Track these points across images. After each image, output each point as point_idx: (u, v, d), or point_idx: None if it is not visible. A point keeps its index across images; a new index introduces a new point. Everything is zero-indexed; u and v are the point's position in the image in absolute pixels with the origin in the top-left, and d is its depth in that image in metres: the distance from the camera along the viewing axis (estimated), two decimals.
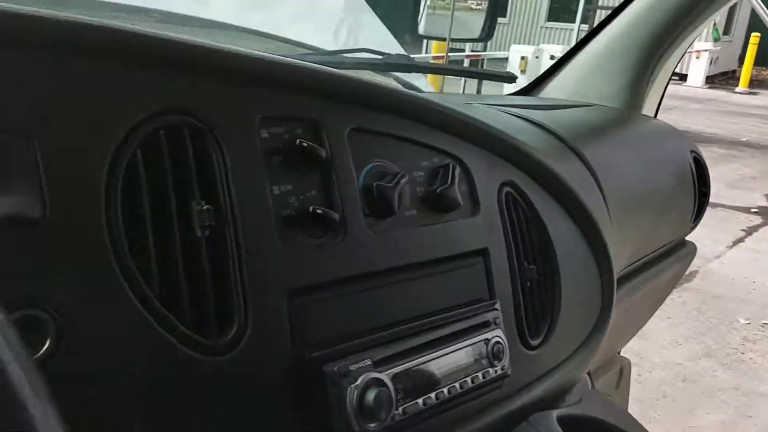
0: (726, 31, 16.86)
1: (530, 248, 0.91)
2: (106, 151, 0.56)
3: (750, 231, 5.25)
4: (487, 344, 0.78)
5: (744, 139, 8.94)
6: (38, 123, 0.52)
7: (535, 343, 0.90)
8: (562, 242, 0.95)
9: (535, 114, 1.18)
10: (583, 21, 11.19)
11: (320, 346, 0.66)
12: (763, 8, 1.74)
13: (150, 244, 0.57)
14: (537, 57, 7.92)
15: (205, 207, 0.60)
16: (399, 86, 0.84)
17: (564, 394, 0.97)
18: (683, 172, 1.41)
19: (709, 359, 3.20)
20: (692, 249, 1.54)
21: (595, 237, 1.00)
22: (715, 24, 14.84)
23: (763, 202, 6.08)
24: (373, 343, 0.69)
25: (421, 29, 1.88)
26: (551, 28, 16.66)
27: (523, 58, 8.09)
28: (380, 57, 1.44)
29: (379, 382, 0.65)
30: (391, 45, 2.02)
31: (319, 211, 0.67)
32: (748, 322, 3.64)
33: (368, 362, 0.66)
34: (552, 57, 7.48)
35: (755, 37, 14.62)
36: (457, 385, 0.74)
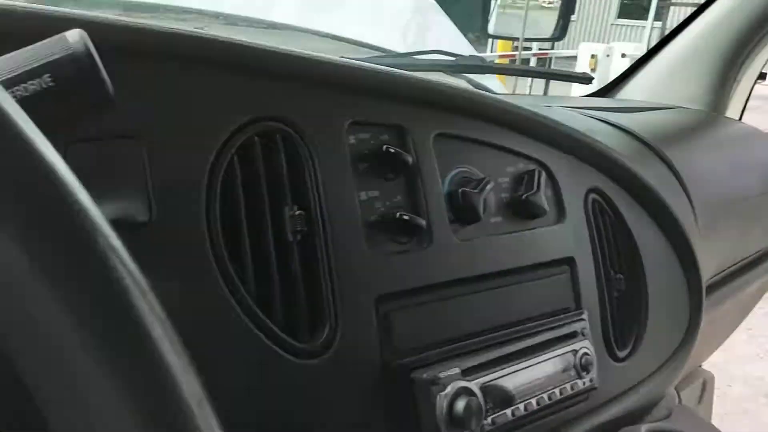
0: None
1: (617, 257, 0.89)
2: (206, 157, 0.57)
3: None
4: (575, 355, 0.76)
5: None
6: (144, 129, 0.54)
7: (622, 354, 0.88)
8: (649, 251, 0.92)
9: (615, 117, 1.15)
10: (657, 18, 10.89)
11: (407, 352, 0.65)
12: None
13: (245, 247, 0.58)
14: (608, 55, 7.75)
15: (297, 212, 0.60)
16: (479, 90, 0.83)
17: (651, 408, 0.94)
18: None
19: None
20: None
21: (682, 246, 0.97)
22: None
23: None
24: (461, 351, 0.68)
25: (492, 29, 1.86)
26: (622, 25, 16.27)
27: (593, 56, 7.91)
28: (453, 58, 1.43)
29: (468, 391, 0.65)
30: (462, 46, 2.00)
31: (405, 217, 0.66)
32: None
33: (457, 371, 0.65)
34: (623, 55, 7.31)
35: None
36: (545, 396, 0.72)
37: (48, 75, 0.35)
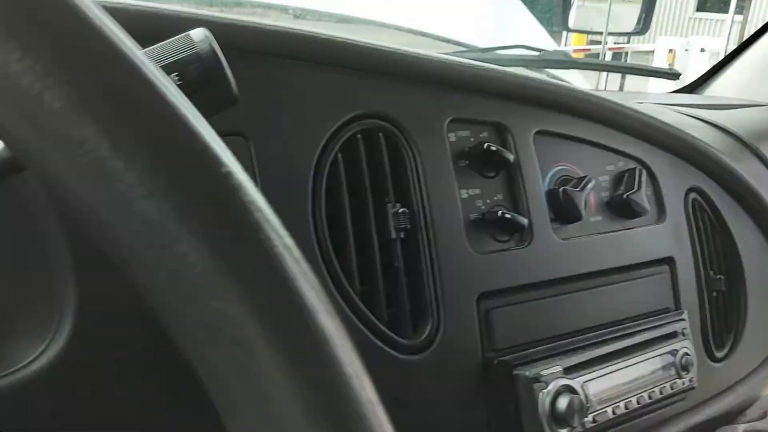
0: None
1: (716, 257, 0.87)
2: (312, 155, 0.58)
3: None
4: (674, 355, 0.75)
5: None
6: (252, 127, 0.55)
7: (720, 355, 0.86)
8: (749, 252, 0.90)
9: (707, 114, 1.12)
10: (737, 11, 10.51)
11: (508, 350, 0.66)
12: None
13: (350, 244, 0.59)
14: (686, 50, 7.52)
15: (401, 210, 0.61)
16: (580, 87, 0.82)
17: (746, 409, 0.92)
18: None
19: None
20: None
21: None
22: None
23: None
24: (562, 349, 0.68)
25: (572, 23, 1.83)
26: (701, 18, 15.75)
27: (670, 51, 7.68)
28: (536, 53, 1.41)
29: (570, 389, 0.64)
30: (544, 40, 1.97)
31: (507, 216, 0.67)
32: None
33: (559, 368, 0.65)
34: (702, 50, 7.08)
35: None
36: (645, 395, 0.72)
37: (176, 74, 0.36)
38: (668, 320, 0.78)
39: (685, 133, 0.85)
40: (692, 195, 0.85)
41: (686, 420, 0.80)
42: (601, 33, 2.11)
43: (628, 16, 1.72)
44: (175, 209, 0.20)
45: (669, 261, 0.81)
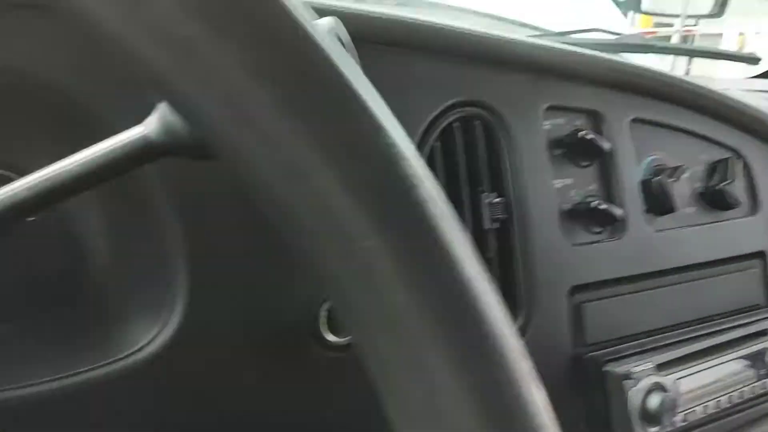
0: None
1: None
2: (411, 141, 0.57)
3: None
4: (765, 353, 0.73)
5: None
6: None
7: None
8: None
9: None
10: None
11: (599, 345, 0.64)
12: None
13: None
14: (757, 33, 7.26)
15: (495, 200, 0.60)
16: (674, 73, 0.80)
17: None
18: None
19: None
20: None
21: None
22: None
23: None
24: (653, 345, 0.66)
25: (645, 6, 1.78)
26: None
27: (741, 34, 7.43)
28: (613, 37, 1.37)
29: (661, 387, 0.63)
30: (619, 23, 1.92)
31: (602, 207, 0.65)
32: None
33: (651, 365, 0.63)
34: None
35: None
36: (735, 394, 0.70)
37: None
38: (759, 317, 0.75)
39: None
40: None
41: None
42: (674, 16, 2.04)
43: None
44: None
45: (761, 255, 0.78)
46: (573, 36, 1.38)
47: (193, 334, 0.48)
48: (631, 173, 0.69)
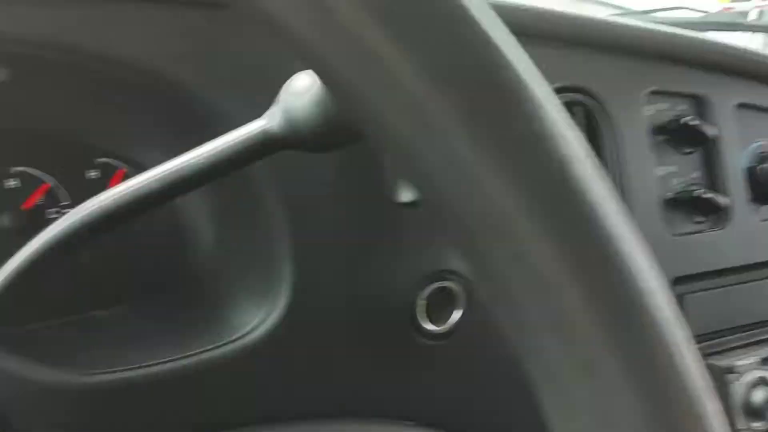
0: None
1: None
2: None
3: None
4: None
5: None
6: None
7: None
8: None
9: None
10: None
11: (700, 337, 0.63)
12: None
13: None
14: None
15: None
16: None
17: None
18: None
19: None
20: None
21: None
22: None
23: None
24: (758, 338, 0.64)
25: None
26: None
27: None
28: (699, 15, 1.33)
29: (766, 382, 0.61)
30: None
31: (706, 196, 0.63)
32: None
33: (755, 359, 0.62)
34: None
35: None
36: None
37: None
38: None
39: None
40: None
41: None
42: None
43: None
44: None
45: None
46: (657, 14, 1.34)
47: (298, 319, 0.49)
48: (736, 160, 0.66)
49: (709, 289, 0.64)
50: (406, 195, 0.49)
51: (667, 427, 0.19)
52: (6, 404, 0.44)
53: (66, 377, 0.45)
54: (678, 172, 0.64)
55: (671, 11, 1.38)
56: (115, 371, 0.46)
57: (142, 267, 0.51)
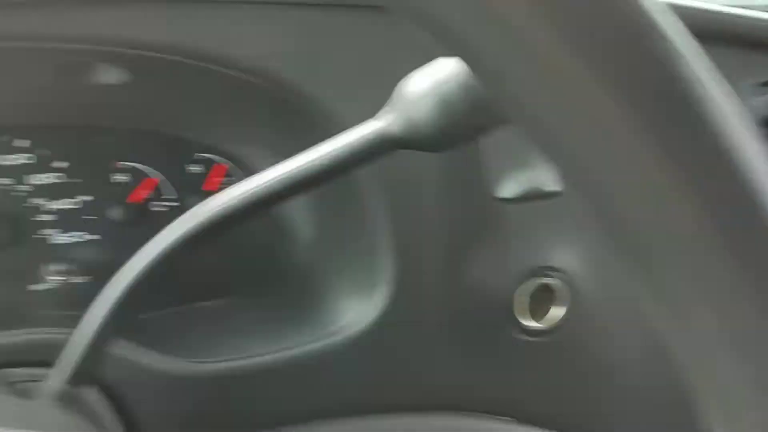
0: None
1: None
2: None
3: None
4: None
5: None
6: None
7: None
8: None
9: None
10: None
11: None
12: None
13: None
14: None
15: None
16: None
17: None
18: None
19: None
20: None
21: None
22: None
23: None
24: None
25: None
26: None
27: None
28: None
29: None
30: None
31: None
32: None
33: None
34: None
35: None
36: None
37: None
38: None
39: None
40: None
41: None
42: None
43: None
44: None
45: None
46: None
47: (398, 314, 0.49)
48: None
49: None
50: (507, 191, 0.49)
51: None
52: (117, 386, 0.46)
53: (174, 364, 0.47)
54: None
55: None
56: (221, 360, 0.47)
57: (245, 261, 0.52)
